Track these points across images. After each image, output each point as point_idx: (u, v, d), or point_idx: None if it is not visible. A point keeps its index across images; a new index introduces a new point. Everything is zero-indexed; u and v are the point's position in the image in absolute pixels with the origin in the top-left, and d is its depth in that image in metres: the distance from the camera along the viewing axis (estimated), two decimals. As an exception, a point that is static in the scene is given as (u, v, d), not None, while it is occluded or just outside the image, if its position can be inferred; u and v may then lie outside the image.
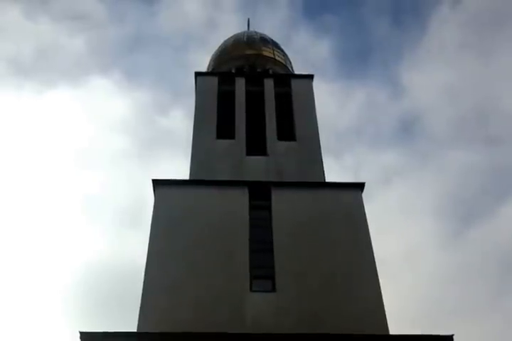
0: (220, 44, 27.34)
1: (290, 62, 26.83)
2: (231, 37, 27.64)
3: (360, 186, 18.01)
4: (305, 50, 58.17)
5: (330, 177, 19.46)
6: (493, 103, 53.94)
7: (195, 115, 21.24)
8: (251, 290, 15.30)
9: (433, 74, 56.02)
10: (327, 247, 16.31)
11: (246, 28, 29.20)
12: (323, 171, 19.46)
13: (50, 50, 58.59)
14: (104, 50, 62.58)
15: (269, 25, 55.16)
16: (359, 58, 62.95)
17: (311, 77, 22.91)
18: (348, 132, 55.29)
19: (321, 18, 64.57)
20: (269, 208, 17.37)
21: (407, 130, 56.30)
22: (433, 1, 59.66)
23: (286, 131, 20.75)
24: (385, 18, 61.49)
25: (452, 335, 13.96)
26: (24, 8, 62.33)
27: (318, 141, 20.41)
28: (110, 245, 44.76)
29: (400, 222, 47.03)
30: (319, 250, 16.20)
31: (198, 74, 22.92)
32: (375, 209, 46.83)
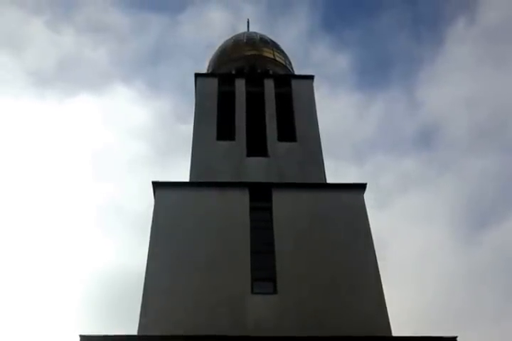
0: (220, 45, 27.27)
1: (290, 63, 26.72)
2: (231, 38, 27.51)
3: (361, 187, 17.90)
4: (324, 62, 59.53)
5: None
6: (509, 112, 54.70)
7: (195, 116, 21.14)
8: (252, 292, 15.22)
9: (450, 85, 57.17)
10: (329, 248, 16.21)
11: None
12: (325, 172, 19.38)
13: (73, 61, 59.33)
14: (127, 60, 63.40)
15: (289, 38, 56.40)
16: (378, 70, 64.07)
17: (311, 77, 22.81)
18: (367, 141, 56.38)
19: (340, 31, 66.28)
20: (270, 209, 17.26)
21: (426, 139, 57.38)
22: (449, 16, 61.19)
23: (287, 131, 20.65)
24: (403, 31, 62.83)
25: (456, 337, 13.88)
26: (48, 20, 63.08)
27: (319, 141, 20.32)
28: (123, 251, 44.83)
29: (414, 226, 47.58)
30: (321, 251, 16.10)
31: (197, 75, 22.82)
32: (392, 214, 48.58)
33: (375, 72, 64.53)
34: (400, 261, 41.74)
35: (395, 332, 14.45)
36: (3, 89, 59.07)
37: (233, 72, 24.66)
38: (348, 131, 53.81)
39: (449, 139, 55.45)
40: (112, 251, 46.31)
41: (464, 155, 55.74)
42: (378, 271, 15.77)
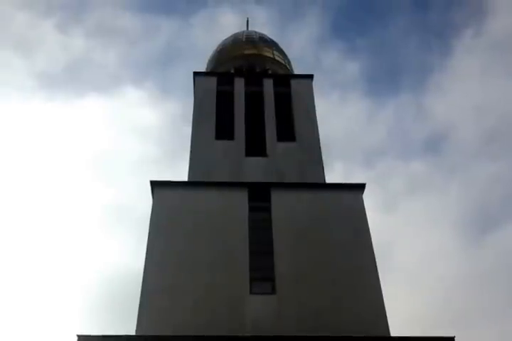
0: (218, 44, 27.20)
1: (289, 62, 26.65)
2: (230, 37, 27.44)
3: (360, 187, 17.86)
4: (334, 69, 60.73)
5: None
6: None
7: (193, 116, 21.06)
8: (251, 292, 15.17)
9: (459, 93, 58.49)
10: (327, 249, 16.17)
11: (250, 29, 29.05)
12: (324, 172, 19.33)
13: (83, 63, 59.86)
14: (137, 62, 63.97)
15: (300, 44, 57.65)
16: (388, 77, 65.46)
17: (310, 77, 22.74)
18: (377, 145, 57.31)
19: (351, 38, 67.60)
20: (268, 209, 17.21)
21: (434, 144, 58.85)
22: (458, 25, 62.92)
23: (286, 131, 20.58)
24: (413, 40, 63.84)
25: (453, 337, 13.85)
26: (58, 22, 63.77)
27: (318, 141, 20.26)
28: (124, 251, 44.92)
29: (420, 229, 48.33)
30: (319, 252, 16.07)
31: (196, 74, 22.72)
32: (399, 216, 49.60)
33: (385, 79, 65.83)
34: (404, 262, 42.52)
35: (394, 332, 14.45)
36: (12, 91, 59.31)
37: (232, 71, 24.59)
38: (357, 135, 55.15)
39: (456, 145, 56.94)
40: (112, 251, 46.43)
41: (471, 160, 57.07)
42: (377, 271, 15.74)
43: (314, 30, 64.93)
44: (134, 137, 57.34)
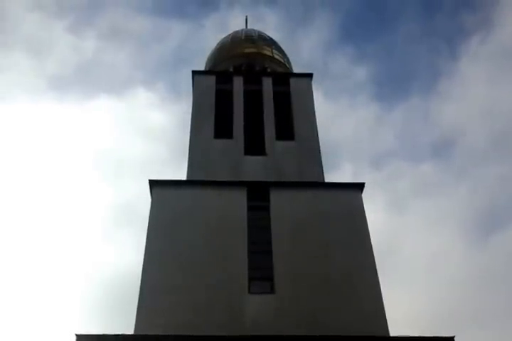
0: (217, 42, 27.14)
1: (289, 61, 26.58)
2: (229, 35, 27.38)
3: (359, 186, 17.83)
4: (343, 74, 61.19)
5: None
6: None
7: (192, 114, 21.02)
8: (249, 291, 15.16)
9: (467, 98, 58.97)
10: (326, 248, 16.15)
11: (250, 27, 28.98)
12: (323, 171, 19.29)
13: (94, 65, 60.03)
14: (148, 64, 63.93)
15: (307, 48, 58.06)
16: (396, 82, 65.71)
17: (310, 75, 22.69)
18: (386, 148, 57.75)
19: (359, 44, 68.01)
20: (267, 209, 17.18)
21: (442, 147, 59.45)
22: (466, 31, 63.59)
23: (285, 130, 20.55)
24: (421, 45, 64.12)
25: (453, 337, 13.83)
26: (70, 24, 63.59)
27: (318, 140, 20.22)
28: (126, 251, 44.86)
29: (426, 230, 48.83)
30: (318, 251, 16.04)
31: (195, 72, 22.66)
32: (407, 217, 49.98)
33: (393, 83, 66.38)
34: (407, 262, 43.03)
35: (394, 332, 14.42)
36: (22, 93, 59.28)
37: (231, 69, 24.53)
38: (366, 138, 55.63)
39: (464, 149, 57.35)
40: (113, 250, 46.43)
41: (477, 164, 57.48)
42: (376, 270, 15.72)
43: (323, 34, 65.70)
44: (143, 139, 57.43)
